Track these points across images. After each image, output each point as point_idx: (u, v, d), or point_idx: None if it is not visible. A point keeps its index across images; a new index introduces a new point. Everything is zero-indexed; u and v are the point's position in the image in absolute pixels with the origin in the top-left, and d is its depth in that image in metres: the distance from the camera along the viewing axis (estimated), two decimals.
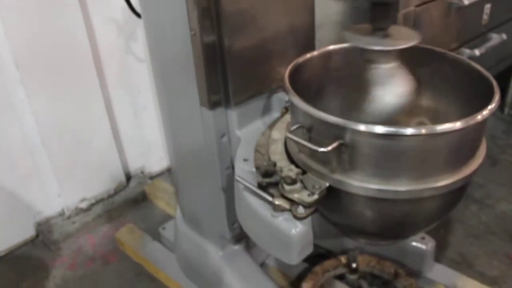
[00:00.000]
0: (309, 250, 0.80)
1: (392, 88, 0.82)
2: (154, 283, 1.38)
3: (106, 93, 1.61)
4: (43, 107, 1.44)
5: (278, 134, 0.92)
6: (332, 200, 0.77)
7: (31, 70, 1.38)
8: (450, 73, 0.88)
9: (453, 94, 0.88)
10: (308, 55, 0.92)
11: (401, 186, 0.72)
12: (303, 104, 0.75)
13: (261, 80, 0.99)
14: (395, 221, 0.80)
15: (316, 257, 1.27)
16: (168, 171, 1.83)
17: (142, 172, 1.82)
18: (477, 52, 1.45)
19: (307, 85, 0.87)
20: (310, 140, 0.76)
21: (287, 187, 0.75)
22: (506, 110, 2.07)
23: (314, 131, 0.75)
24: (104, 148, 1.63)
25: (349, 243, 1.28)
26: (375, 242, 1.01)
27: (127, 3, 1.29)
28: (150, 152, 1.79)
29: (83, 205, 1.63)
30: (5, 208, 1.49)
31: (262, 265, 1.33)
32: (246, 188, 0.82)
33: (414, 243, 1.24)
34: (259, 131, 0.96)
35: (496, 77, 0.79)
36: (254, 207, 0.81)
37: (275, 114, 1.03)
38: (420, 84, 0.85)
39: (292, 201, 0.75)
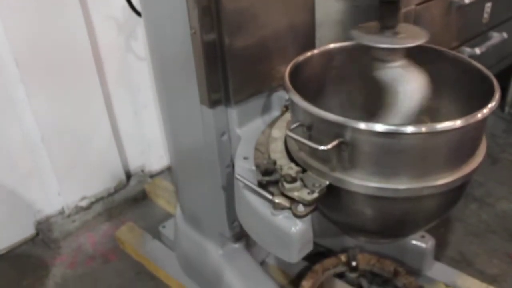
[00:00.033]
0: (309, 248, 0.80)
1: (406, 86, 0.82)
2: (154, 281, 1.38)
3: (106, 91, 1.61)
4: (43, 106, 1.44)
5: (278, 132, 0.93)
6: (332, 198, 0.77)
7: (31, 69, 1.38)
8: (451, 72, 0.88)
9: (454, 93, 0.88)
10: (309, 54, 0.92)
11: (401, 184, 0.72)
12: (303, 102, 0.75)
13: (261, 79, 0.99)
14: (395, 219, 0.80)
15: (316, 256, 1.27)
16: (168, 169, 1.84)
17: (142, 171, 1.82)
18: (477, 50, 1.45)
19: (307, 84, 0.87)
20: (310, 138, 0.76)
21: (287, 185, 0.75)
22: (507, 109, 2.07)
23: (314, 129, 0.75)
24: (104, 146, 1.63)
25: (349, 241, 1.28)
26: (375, 241, 1.01)
27: (127, 1, 1.29)
28: (150, 150, 1.79)
29: (83, 203, 1.63)
30: (5, 207, 1.49)
31: (262, 263, 1.33)
32: (246, 186, 0.82)
33: (414, 242, 1.24)
34: (259, 130, 0.96)
35: (497, 76, 0.79)
36: (254, 205, 0.81)
37: (275, 112, 1.03)
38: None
39: (292, 199, 0.75)
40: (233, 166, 0.99)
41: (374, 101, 0.98)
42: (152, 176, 1.81)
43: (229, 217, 1.11)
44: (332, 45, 0.95)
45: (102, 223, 1.63)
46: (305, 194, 0.74)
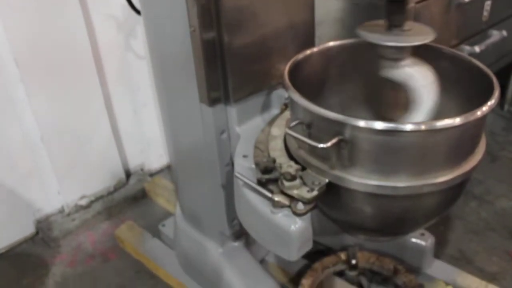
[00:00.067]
0: (308, 246, 0.80)
1: (421, 82, 0.82)
2: (154, 280, 1.38)
3: (106, 90, 1.61)
4: (43, 105, 1.44)
5: (277, 130, 0.93)
6: (331, 196, 0.78)
7: (31, 69, 1.38)
8: (450, 70, 0.88)
9: (453, 91, 0.88)
10: (308, 52, 0.92)
11: (401, 182, 0.72)
12: (303, 100, 0.75)
13: (260, 77, 0.99)
14: (394, 217, 0.80)
15: (316, 254, 1.27)
16: (168, 168, 1.84)
17: (141, 169, 1.82)
18: (477, 48, 1.45)
19: (307, 82, 0.87)
20: (309, 136, 0.76)
21: (286, 183, 0.75)
22: (506, 107, 2.07)
23: (314, 127, 0.75)
24: (103, 145, 1.63)
25: (348, 239, 1.28)
26: (375, 239, 1.01)
27: (127, 0, 1.28)
28: (150, 149, 1.79)
29: (83, 202, 1.63)
30: (5, 206, 1.49)
31: (262, 261, 1.33)
32: (246, 184, 0.82)
33: (413, 240, 1.24)
34: (258, 128, 0.96)
35: (496, 74, 0.79)
36: (254, 203, 0.81)
37: (275, 110, 1.03)
38: None
39: (291, 197, 0.75)
40: (232, 164, 0.99)
41: (375, 99, 0.98)
42: (151, 174, 1.81)
43: (229, 215, 1.11)
44: (331, 43, 0.95)
45: (102, 222, 1.63)
46: (304, 192, 0.74)
